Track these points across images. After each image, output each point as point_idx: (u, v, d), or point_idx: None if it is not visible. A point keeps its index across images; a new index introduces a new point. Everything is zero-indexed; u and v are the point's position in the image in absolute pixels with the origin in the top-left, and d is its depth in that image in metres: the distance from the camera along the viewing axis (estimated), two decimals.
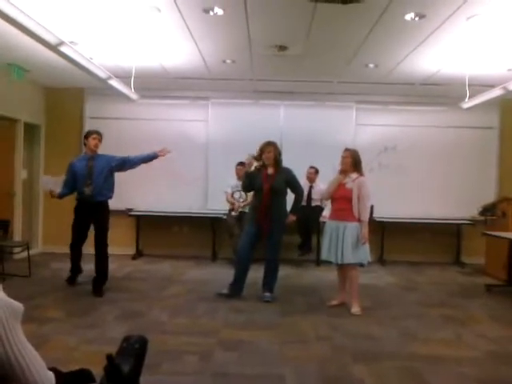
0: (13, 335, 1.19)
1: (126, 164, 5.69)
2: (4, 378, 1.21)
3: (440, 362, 3.59)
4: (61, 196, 5.64)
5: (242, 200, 7.29)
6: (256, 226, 5.29)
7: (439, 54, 5.74)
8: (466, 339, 4.17)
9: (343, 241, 4.83)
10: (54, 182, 5.70)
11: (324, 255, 5.08)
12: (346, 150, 5.10)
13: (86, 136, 5.66)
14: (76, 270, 5.86)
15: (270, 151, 5.32)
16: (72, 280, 5.82)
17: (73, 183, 5.56)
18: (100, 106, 8.18)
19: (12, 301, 1.22)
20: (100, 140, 5.64)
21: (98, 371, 1.50)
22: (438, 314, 4.96)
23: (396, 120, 8.21)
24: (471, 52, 5.56)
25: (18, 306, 1.23)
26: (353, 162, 4.98)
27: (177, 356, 3.56)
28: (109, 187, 5.60)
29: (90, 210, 5.51)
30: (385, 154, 8.18)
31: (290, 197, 5.47)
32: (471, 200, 7.68)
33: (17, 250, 6.77)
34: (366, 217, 4.85)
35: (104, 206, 5.58)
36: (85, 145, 5.70)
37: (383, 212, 7.56)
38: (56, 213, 8.19)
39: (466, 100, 6.66)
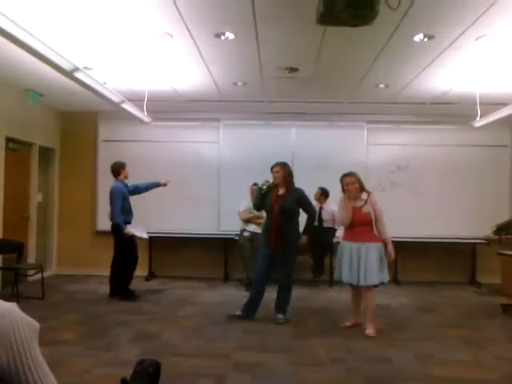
0: (31, 355, 1.19)
1: (135, 191, 6.58)
2: None
3: None
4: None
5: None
6: (269, 247, 5.28)
7: (449, 74, 5.77)
8: (483, 361, 4.10)
9: (366, 262, 4.78)
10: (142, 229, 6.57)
11: (345, 278, 4.93)
12: (347, 175, 4.99)
13: (124, 166, 6.44)
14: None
15: (277, 171, 5.34)
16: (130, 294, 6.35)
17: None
18: (113, 129, 8.30)
19: (30, 318, 1.23)
20: None
21: None
22: (454, 335, 4.88)
23: (407, 139, 8.21)
24: (481, 71, 5.58)
25: (36, 324, 1.24)
26: (360, 185, 4.97)
27: (190, 379, 3.54)
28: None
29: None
30: (397, 174, 8.16)
31: (303, 218, 5.47)
32: (485, 219, 7.61)
33: (31, 272, 6.81)
34: (387, 234, 4.86)
35: None
36: (118, 174, 6.41)
37: (396, 232, 7.41)
38: (70, 236, 8.29)
39: (478, 119, 6.65)
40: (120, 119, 7.75)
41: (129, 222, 6.33)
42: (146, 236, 6.75)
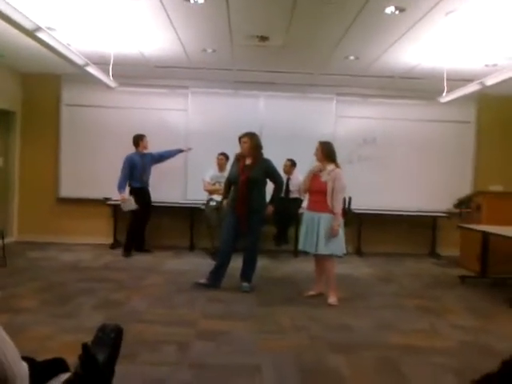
0: None
1: (161, 159, 7.55)
2: None
3: (415, 352, 3.65)
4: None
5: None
6: (235, 216, 5.29)
7: (419, 48, 5.80)
8: (441, 330, 4.25)
9: (318, 232, 4.88)
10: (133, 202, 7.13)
11: (301, 245, 5.13)
12: (319, 142, 5.14)
13: (141, 138, 7.30)
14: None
15: (245, 141, 5.31)
16: (129, 249, 7.20)
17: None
18: (77, 94, 8.05)
19: None
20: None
21: (73, 361, 1.49)
22: (413, 304, 5.04)
23: (375, 113, 8.27)
24: (450, 47, 5.62)
25: None
26: (324, 153, 5.01)
27: (154, 346, 3.55)
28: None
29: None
30: (364, 147, 8.24)
31: (270, 188, 5.49)
32: (447, 193, 7.82)
33: None
34: (338, 209, 4.89)
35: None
36: (138, 145, 7.26)
37: (361, 204, 7.61)
38: (32, 202, 8.10)
39: (444, 94, 6.74)
40: (84, 83, 7.51)
41: (140, 187, 7.22)
42: (133, 207, 7.18)
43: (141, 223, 7.38)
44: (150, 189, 7.50)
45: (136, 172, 7.19)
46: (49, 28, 5.02)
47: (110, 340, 1.41)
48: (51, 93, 8.06)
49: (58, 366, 1.50)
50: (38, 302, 4.60)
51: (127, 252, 7.15)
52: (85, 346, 1.31)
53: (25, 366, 1.33)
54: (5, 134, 7.83)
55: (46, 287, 5.18)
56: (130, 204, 7.12)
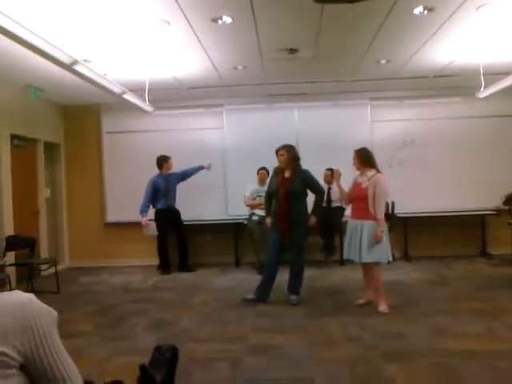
0: (52, 340, 1.22)
1: (184, 176, 7.58)
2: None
3: (474, 356, 3.54)
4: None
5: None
6: (278, 230, 5.30)
7: (451, 46, 5.69)
8: (498, 332, 4.11)
9: (361, 239, 4.82)
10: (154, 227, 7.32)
11: (345, 254, 5.13)
12: (354, 151, 5.12)
13: (166, 160, 7.41)
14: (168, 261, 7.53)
15: (282, 154, 5.33)
16: (167, 268, 7.43)
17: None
18: (116, 121, 8.29)
19: (48, 307, 1.26)
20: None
21: (130, 383, 1.52)
22: (467, 307, 4.89)
23: (412, 114, 8.14)
24: (484, 41, 5.49)
25: (54, 312, 1.27)
26: (360, 161, 4.98)
27: (207, 363, 3.59)
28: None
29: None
30: (403, 150, 8.11)
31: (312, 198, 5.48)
32: (494, 190, 7.57)
33: (44, 266, 6.87)
34: (380, 215, 4.82)
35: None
36: (161, 167, 7.40)
37: (405, 208, 7.49)
38: (80, 229, 8.36)
39: (482, 89, 6.58)
40: (122, 110, 7.76)
41: (164, 209, 7.36)
42: (152, 233, 7.40)
43: (180, 242, 7.53)
44: (190, 208, 7.63)
45: (159, 194, 7.35)
46: (85, 60, 5.23)
47: (166, 360, 1.44)
48: (92, 122, 8.35)
49: None
50: (92, 325, 4.73)
51: (164, 270, 7.39)
52: (143, 368, 1.34)
53: None
54: (50, 165, 8.13)
55: (99, 310, 5.32)
56: (152, 229, 7.29)
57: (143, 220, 7.27)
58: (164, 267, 7.44)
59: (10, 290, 5.64)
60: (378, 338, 4.07)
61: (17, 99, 6.79)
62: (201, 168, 7.62)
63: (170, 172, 7.48)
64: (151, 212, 7.44)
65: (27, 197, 7.36)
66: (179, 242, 7.53)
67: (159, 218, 7.37)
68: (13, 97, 6.72)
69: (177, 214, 7.50)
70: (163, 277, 7.16)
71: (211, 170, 7.65)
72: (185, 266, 7.48)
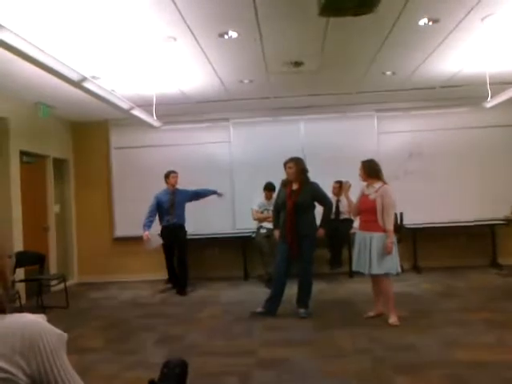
0: (60, 362, 1.23)
1: (195, 196, 7.33)
2: None
3: (485, 367, 3.51)
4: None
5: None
6: (286, 243, 5.29)
7: (457, 56, 5.70)
8: (509, 343, 4.07)
9: (370, 251, 4.81)
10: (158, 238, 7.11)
11: (354, 266, 5.11)
12: (361, 162, 5.13)
13: (168, 175, 7.17)
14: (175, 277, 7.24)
15: (290, 167, 5.34)
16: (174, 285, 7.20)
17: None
18: (125, 136, 8.36)
19: (58, 330, 1.27)
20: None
21: None
22: (478, 318, 4.85)
23: (418, 125, 8.14)
24: (489, 51, 5.50)
25: (64, 335, 1.28)
26: (366, 172, 4.98)
27: (216, 378, 3.57)
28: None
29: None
30: (411, 161, 8.10)
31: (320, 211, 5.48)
32: (503, 200, 7.54)
33: (53, 282, 6.90)
34: (389, 226, 4.81)
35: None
36: (166, 182, 7.18)
37: (414, 219, 7.47)
38: (89, 244, 8.39)
39: (489, 99, 6.57)
40: (130, 126, 7.83)
41: (166, 226, 7.11)
42: (153, 246, 7.15)
43: (178, 260, 7.21)
44: (198, 222, 7.58)
45: (163, 210, 7.13)
46: (93, 77, 5.30)
47: (175, 375, 1.45)
48: (100, 138, 8.43)
49: None
50: (101, 340, 4.73)
51: (172, 287, 7.27)
52: (152, 383, 1.35)
53: None
54: (59, 181, 8.20)
55: (108, 325, 5.32)
56: (153, 243, 7.07)
57: (144, 234, 7.05)
58: (171, 283, 7.30)
59: (20, 305, 5.68)
60: (388, 350, 4.03)
61: (26, 116, 6.88)
62: (214, 193, 7.46)
63: (179, 188, 7.22)
64: (158, 228, 7.27)
65: (37, 213, 7.42)
66: (177, 260, 7.18)
67: (162, 235, 7.15)
68: (23, 114, 6.80)
69: (179, 231, 7.13)
70: (172, 290, 7.15)
71: (221, 198, 7.59)
72: (180, 289, 6.99)
